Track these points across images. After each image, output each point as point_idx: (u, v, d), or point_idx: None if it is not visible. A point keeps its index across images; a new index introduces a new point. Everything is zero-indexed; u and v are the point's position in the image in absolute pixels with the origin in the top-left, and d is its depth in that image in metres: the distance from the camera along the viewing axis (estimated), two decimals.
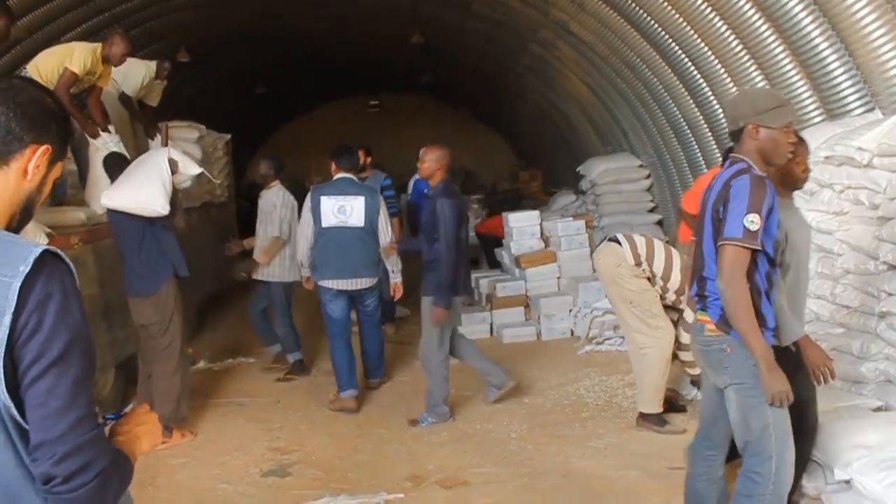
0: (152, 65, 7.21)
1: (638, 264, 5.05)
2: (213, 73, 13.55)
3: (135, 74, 7.10)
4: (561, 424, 5.38)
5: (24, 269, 1.33)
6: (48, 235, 4.65)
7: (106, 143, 5.86)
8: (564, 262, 8.18)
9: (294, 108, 20.83)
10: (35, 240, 4.40)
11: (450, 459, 4.86)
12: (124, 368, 5.98)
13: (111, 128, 6.19)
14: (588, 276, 7.98)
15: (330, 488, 4.44)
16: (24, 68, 5.85)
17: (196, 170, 5.56)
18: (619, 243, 5.15)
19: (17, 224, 1.52)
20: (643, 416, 5.09)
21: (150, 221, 5.05)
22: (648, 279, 5.09)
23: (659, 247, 5.18)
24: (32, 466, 1.34)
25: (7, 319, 1.30)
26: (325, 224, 5.77)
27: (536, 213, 8.70)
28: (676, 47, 6.77)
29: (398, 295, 6.39)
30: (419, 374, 6.79)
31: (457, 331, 5.84)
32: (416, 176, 7.89)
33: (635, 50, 7.61)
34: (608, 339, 7.14)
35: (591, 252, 8.17)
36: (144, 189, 5.02)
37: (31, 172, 1.49)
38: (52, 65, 5.73)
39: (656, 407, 5.04)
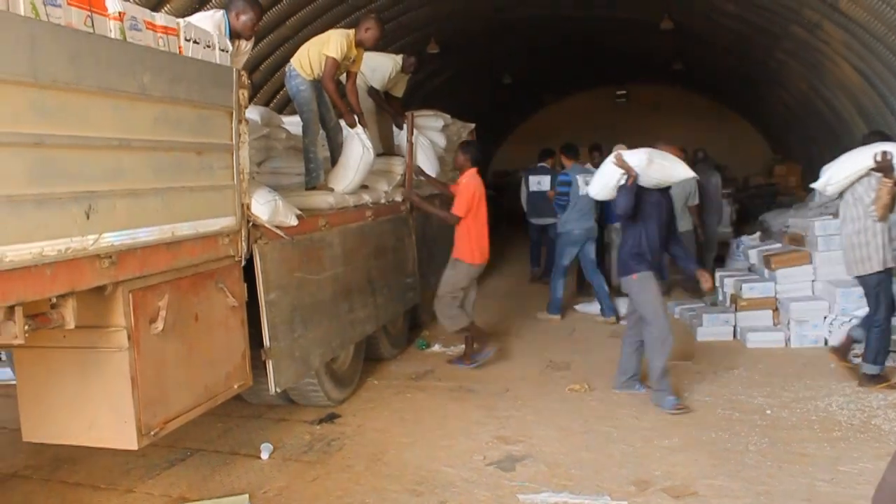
0: (398, 59, 7.51)
1: None
2: (461, 63, 13.91)
3: (382, 69, 7.44)
4: (807, 442, 4.91)
5: None
6: (298, 217, 4.93)
7: (359, 133, 6.10)
8: (821, 264, 7.49)
9: (542, 98, 20.90)
10: (286, 220, 4.72)
11: (679, 467, 4.60)
12: (362, 346, 6.31)
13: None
14: (848, 281, 7.24)
15: (552, 484, 4.37)
16: (291, 63, 6.25)
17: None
18: None
19: None
20: None
21: None
22: None
23: None
24: None
25: None
26: (532, 189, 10.98)
27: None
28: None
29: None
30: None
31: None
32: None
33: None
34: None
35: None
36: None
37: None
38: (312, 54, 6.09)
39: None
